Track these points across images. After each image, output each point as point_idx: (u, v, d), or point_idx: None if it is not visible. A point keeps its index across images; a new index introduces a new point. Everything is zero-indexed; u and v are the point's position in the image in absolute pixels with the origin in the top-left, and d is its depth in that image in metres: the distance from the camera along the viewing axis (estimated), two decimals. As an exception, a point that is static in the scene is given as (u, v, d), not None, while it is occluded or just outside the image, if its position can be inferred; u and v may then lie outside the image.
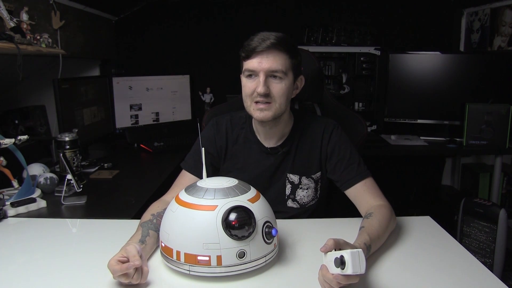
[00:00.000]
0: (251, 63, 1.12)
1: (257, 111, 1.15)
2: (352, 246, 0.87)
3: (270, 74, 1.12)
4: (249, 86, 1.14)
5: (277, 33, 1.12)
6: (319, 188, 1.29)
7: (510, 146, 2.33)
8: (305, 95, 1.57)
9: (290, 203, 1.28)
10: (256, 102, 1.14)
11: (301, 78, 1.22)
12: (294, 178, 1.27)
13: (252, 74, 1.13)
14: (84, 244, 1.10)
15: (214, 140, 1.29)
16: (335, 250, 0.81)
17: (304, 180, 1.27)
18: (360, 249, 0.76)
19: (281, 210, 1.25)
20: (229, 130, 1.29)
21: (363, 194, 1.18)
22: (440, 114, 2.58)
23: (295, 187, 1.27)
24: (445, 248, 1.06)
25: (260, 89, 1.11)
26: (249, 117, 1.29)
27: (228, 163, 1.30)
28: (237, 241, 0.85)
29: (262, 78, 1.11)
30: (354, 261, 0.74)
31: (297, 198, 1.28)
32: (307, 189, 1.27)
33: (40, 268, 0.96)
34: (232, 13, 2.78)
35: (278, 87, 1.13)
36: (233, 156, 1.29)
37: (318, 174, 1.27)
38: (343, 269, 0.76)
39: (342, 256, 0.76)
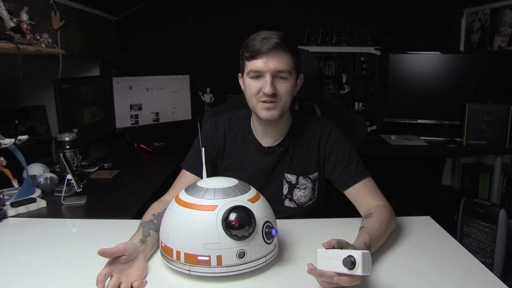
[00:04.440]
0: (257, 64, 1.12)
1: (264, 111, 1.15)
2: (354, 247, 0.87)
3: (276, 74, 1.12)
4: (255, 86, 1.14)
5: (279, 32, 1.12)
6: (316, 188, 1.29)
7: (510, 146, 2.33)
8: (305, 95, 1.57)
9: (287, 203, 1.28)
10: (263, 102, 1.14)
11: (300, 76, 1.22)
12: (291, 178, 1.27)
13: (258, 74, 1.13)
14: (84, 244, 1.10)
15: (212, 138, 1.29)
16: (336, 248, 0.81)
17: (302, 180, 1.27)
18: (368, 251, 0.76)
19: (278, 210, 1.25)
20: (227, 129, 1.30)
21: (363, 194, 1.18)
22: (440, 114, 2.58)
23: (292, 187, 1.27)
24: (445, 248, 1.06)
25: (268, 90, 1.11)
26: (248, 116, 1.30)
27: (226, 162, 1.30)
28: (237, 241, 0.85)
29: (269, 79, 1.11)
30: (364, 263, 0.74)
31: (295, 198, 1.28)
32: (304, 189, 1.27)
33: (40, 268, 0.96)
34: (232, 13, 2.78)
35: (284, 87, 1.14)
36: (230, 154, 1.29)
37: (316, 174, 1.27)
38: (351, 269, 0.75)
39: (351, 256, 0.75)
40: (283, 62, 1.12)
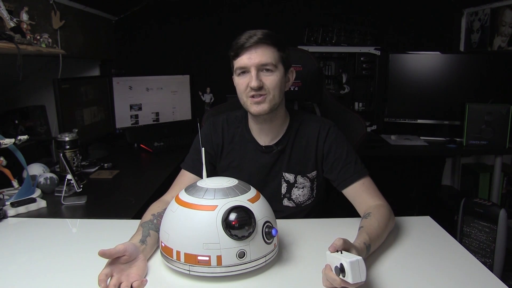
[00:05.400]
0: (241, 60, 1.14)
1: (253, 105, 1.16)
2: (354, 247, 0.88)
3: (261, 68, 1.13)
4: (242, 83, 1.16)
5: (263, 30, 1.14)
6: (315, 188, 1.29)
7: (510, 146, 2.33)
8: (305, 95, 1.57)
9: (286, 202, 1.29)
10: (252, 97, 1.15)
11: (291, 70, 1.23)
12: (290, 177, 1.27)
13: (244, 70, 1.15)
14: (84, 244, 1.10)
15: (211, 138, 1.30)
16: (339, 252, 0.82)
17: (300, 179, 1.27)
18: (360, 258, 0.77)
19: (277, 209, 1.24)
20: (225, 129, 1.30)
21: (361, 193, 1.18)
22: (440, 114, 2.57)
23: (290, 186, 1.27)
24: (445, 248, 1.07)
25: (253, 83, 1.12)
26: (245, 116, 1.30)
27: (224, 162, 1.30)
28: (237, 241, 0.85)
29: (254, 73, 1.12)
30: (354, 271, 0.75)
31: (293, 197, 1.28)
32: (302, 188, 1.27)
33: (40, 268, 0.96)
34: (232, 13, 2.78)
35: (270, 79, 1.14)
36: (229, 154, 1.30)
37: (314, 173, 1.28)
38: (343, 276, 0.76)
39: (341, 265, 0.76)
40: (267, 56, 1.13)
